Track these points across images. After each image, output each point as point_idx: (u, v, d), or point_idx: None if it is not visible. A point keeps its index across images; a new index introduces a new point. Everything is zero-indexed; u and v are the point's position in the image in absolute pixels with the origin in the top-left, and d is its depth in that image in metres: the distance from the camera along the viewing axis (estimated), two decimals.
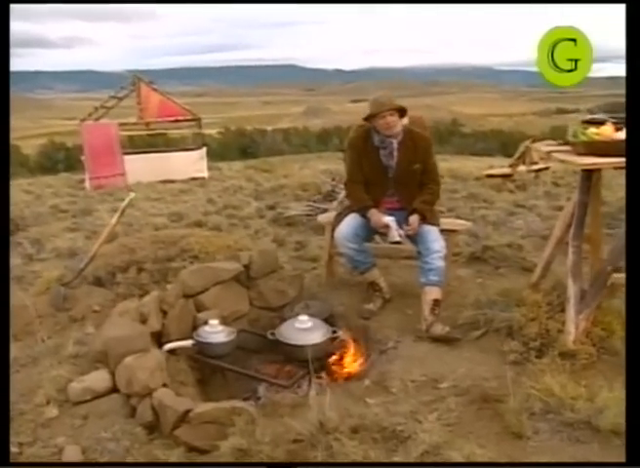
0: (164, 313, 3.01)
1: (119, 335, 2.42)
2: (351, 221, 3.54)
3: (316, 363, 2.82)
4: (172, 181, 12.64)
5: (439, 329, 3.08)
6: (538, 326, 2.72)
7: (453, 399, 2.35)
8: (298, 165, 19.61)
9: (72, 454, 1.97)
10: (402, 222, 3.45)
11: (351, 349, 3.13)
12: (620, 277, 2.68)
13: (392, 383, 2.56)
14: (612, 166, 2.69)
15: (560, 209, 6.43)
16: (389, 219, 3.39)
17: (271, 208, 7.84)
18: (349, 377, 2.93)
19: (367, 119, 3.53)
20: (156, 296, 2.97)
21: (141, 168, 12.62)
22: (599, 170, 2.91)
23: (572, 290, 2.75)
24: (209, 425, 2.05)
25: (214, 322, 2.88)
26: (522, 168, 8.48)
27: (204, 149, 14.05)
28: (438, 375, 2.62)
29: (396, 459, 1.88)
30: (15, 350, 2.90)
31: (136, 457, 1.96)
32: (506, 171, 8.51)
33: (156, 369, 2.27)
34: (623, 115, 2.86)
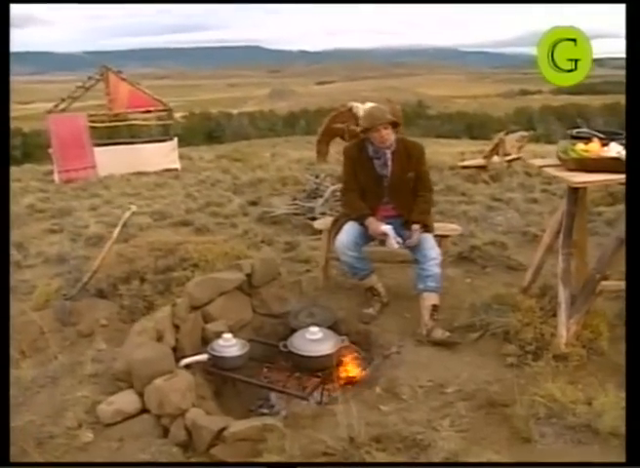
0: (176, 328, 3.10)
1: (145, 358, 2.50)
2: (350, 230, 3.67)
3: (327, 372, 2.98)
4: (144, 173, 12.54)
5: (439, 333, 3.26)
6: (533, 330, 2.93)
7: (461, 404, 2.53)
8: (268, 152, 19.64)
9: None
10: (399, 229, 3.61)
11: (355, 354, 3.29)
12: (608, 284, 2.91)
13: (402, 390, 2.73)
14: (602, 183, 2.89)
15: (535, 201, 6.74)
16: (387, 228, 3.53)
17: (253, 203, 7.91)
18: (354, 382, 3.09)
19: (362, 131, 3.65)
20: (169, 312, 3.05)
21: (113, 160, 12.45)
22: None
23: (563, 295, 2.97)
24: (242, 442, 2.17)
25: (227, 336, 2.98)
26: (496, 159, 8.77)
27: (175, 140, 13.92)
28: (443, 380, 2.80)
29: None
30: (28, 369, 2.94)
31: None
32: (481, 162, 8.79)
33: (187, 390, 2.37)
34: (609, 131, 3.08)
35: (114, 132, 14.89)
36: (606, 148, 2.92)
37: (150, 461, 2.12)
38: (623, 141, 2.94)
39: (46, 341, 3.28)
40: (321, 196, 6.42)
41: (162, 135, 14.89)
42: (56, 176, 11.82)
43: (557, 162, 3.09)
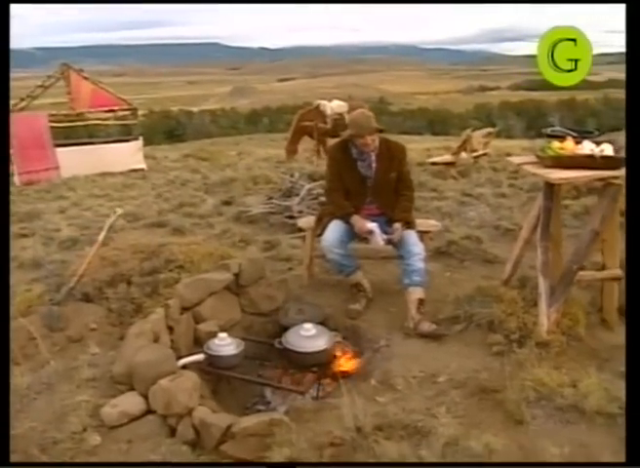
0: (170, 329, 3.12)
1: (148, 360, 2.52)
2: (336, 228, 3.76)
3: (322, 367, 3.06)
4: (110, 174, 12.31)
5: (426, 326, 3.39)
6: (516, 320, 3.09)
7: (454, 392, 2.66)
8: (233, 151, 19.55)
9: None
10: (383, 227, 3.71)
11: (346, 349, 3.38)
12: (585, 274, 3.09)
13: (396, 381, 2.83)
14: (578, 180, 3.06)
15: (504, 196, 6.99)
16: (373, 226, 3.63)
17: (227, 203, 7.91)
18: (347, 376, 3.18)
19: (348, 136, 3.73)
20: (162, 314, 3.07)
21: (77, 161, 12.19)
22: None
23: (542, 286, 3.14)
24: (251, 438, 2.23)
25: (223, 335, 3.03)
26: (463, 155, 9.02)
27: (141, 140, 13.71)
28: (434, 370, 2.92)
29: (422, 453, 2.15)
30: (21, 376, 2.91)
31: None
32: (449, 158, 9.03)
33: (193, 389, 2.41)
34: (581, 129, 3.26)
35: (76, 132, 14.53)
36: (580, 146, 3.09)
37: (161, 461, 2.15)
38: (595, 140, 3.13)
39: (35, 348, 3.25)
40: (297, 195, 6.48)
41: (125, 134, 14.64)
42: (16, 179, 11.47)
43: (534, 159, 3.25)
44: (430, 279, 4.21)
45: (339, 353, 3.19)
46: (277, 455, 2.10)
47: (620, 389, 2.38)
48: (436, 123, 45.59)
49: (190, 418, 2.32)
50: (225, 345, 2.98)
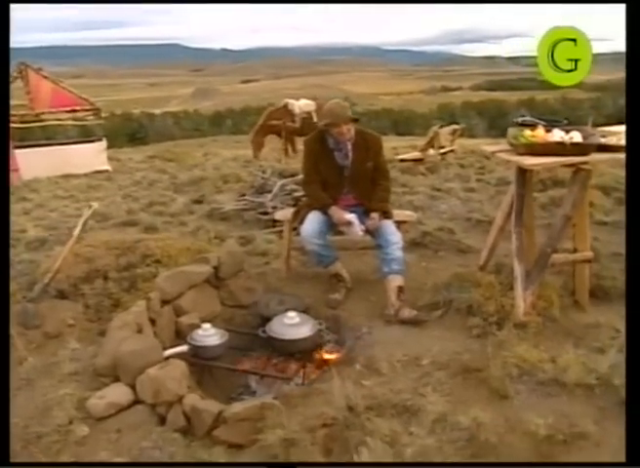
0: (151, 322, 3.08)
1: (134, 350, 2.49)
2: (314, 219, 3.78)
3: (306, 354, 3.08)
4: (73, 176, 12.01)
5: (407, 312, 3.45)
6: (494, 303, 3.19)
7: (439, 373, 2.72)
8: (199, 152, 19.33)
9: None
10: (361, 217, 3.76)
11: (328, 337, 3.41)
12: (558, 257, 3.22)
13: (381, 365, 2.87)
14: (550, 165, 3.17)
15: (473, 190, 7.15)
16: (351, 216, 3.68)
17: (198, 202, 7.83)
18: (331, 364, 3.21)
19: (324, 126, 3.76)
20: (144, 306, 3.04)
21: (38, 163, 11.85)
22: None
23: (518, 270, 3.24)
24: (243, 423, 2.23)
25: (206, 325, 3.01)
26: (431, 151, 9.18)
27: (104, 141, 13.43)
28: (417, 354, 2.97)
29: (412, 429, 2.20)
30: None
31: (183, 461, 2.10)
32: (417, 155, 9.18)
33: (182, 377, 2.39)
34: (550, 118, 3.38)
35: (35, 132, 14.11)
36: (550, 134, 3.21)
37: (152, 447, 2.13)
38: (564, 128, 3.26)
39: (11, 346, 3.16)
40: (269, 191, 6.47)
41: (88, 135, 14.31)
42: None
43: (507, 148, 3.36)
44: (407, 269, 4.29)
45: (321, 341, 3.22)
46: (270, 437, 2.11)
47: (595, 362, 2.49)
48: (400, 123, 46.16)
49: (180, 406, 2.31)
50: (209, 336, 2.97)
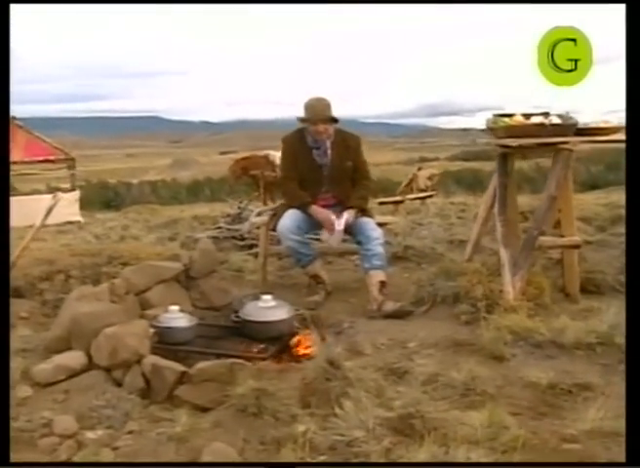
0: None
1: (93, 311, 2.23)
2: (292, 215, 3.63)
3: (282, 341, 2.82)
4: (43, 226, 11.70)
5: (390, 305, 3.25)
6: (482, 288, 3.02)
7: (427, 350, 2.50)
8: (176, 212, 19.23)
9: (65, 424, 1.75)
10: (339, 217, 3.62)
11: (307, 331, 3.15)
12: (546, 240, 3.11)
13: (364, 347, 2.64)
14: (535, 145, 3.12)
15: (453, 225, 7.11)
16: (337, 222, 3.52)
17: (172, 239, 7.61)
18: (307, 358, 2.94)
19: (301, 121, 3.71)
20: (106, 287, 2.78)
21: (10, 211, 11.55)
22: (513, 156, 3.39)
23: (504, 256, 3.11)
24: (210, 383, 1.96)
25: (173, 307, 2.76)
26: (410, 195, 9.25)
27: (77, 192, 13.28)
28: (403, 339, 2.76)
29: (401, 388, 1.97)
30: None
31: (138, 421, 1.81)
32: (397, 198, 9.21)
33: (144, 335, 2.13)
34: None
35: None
36: (528, 120, 3.20)
37: (104, 406, 1.84)
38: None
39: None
40: (246, 219, 6.33)
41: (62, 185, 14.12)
42: None
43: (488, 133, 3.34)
44: (388, 279, 4.13)
45: (299, 335, 2.96)
46: (240, 389, 1.85)
47: (594, 324, 2.33)
48: (377, 191, 46.95)
49: (139, 367, 2.03)
50: (177, 318, 2.71)
